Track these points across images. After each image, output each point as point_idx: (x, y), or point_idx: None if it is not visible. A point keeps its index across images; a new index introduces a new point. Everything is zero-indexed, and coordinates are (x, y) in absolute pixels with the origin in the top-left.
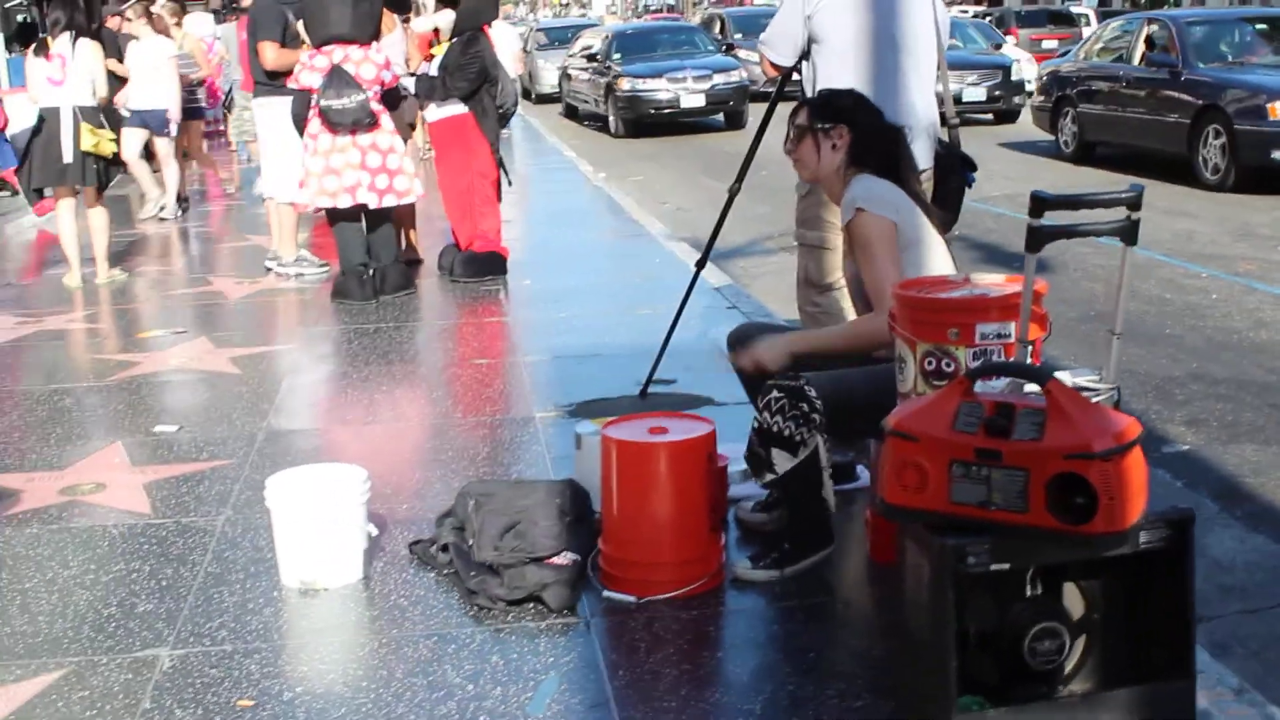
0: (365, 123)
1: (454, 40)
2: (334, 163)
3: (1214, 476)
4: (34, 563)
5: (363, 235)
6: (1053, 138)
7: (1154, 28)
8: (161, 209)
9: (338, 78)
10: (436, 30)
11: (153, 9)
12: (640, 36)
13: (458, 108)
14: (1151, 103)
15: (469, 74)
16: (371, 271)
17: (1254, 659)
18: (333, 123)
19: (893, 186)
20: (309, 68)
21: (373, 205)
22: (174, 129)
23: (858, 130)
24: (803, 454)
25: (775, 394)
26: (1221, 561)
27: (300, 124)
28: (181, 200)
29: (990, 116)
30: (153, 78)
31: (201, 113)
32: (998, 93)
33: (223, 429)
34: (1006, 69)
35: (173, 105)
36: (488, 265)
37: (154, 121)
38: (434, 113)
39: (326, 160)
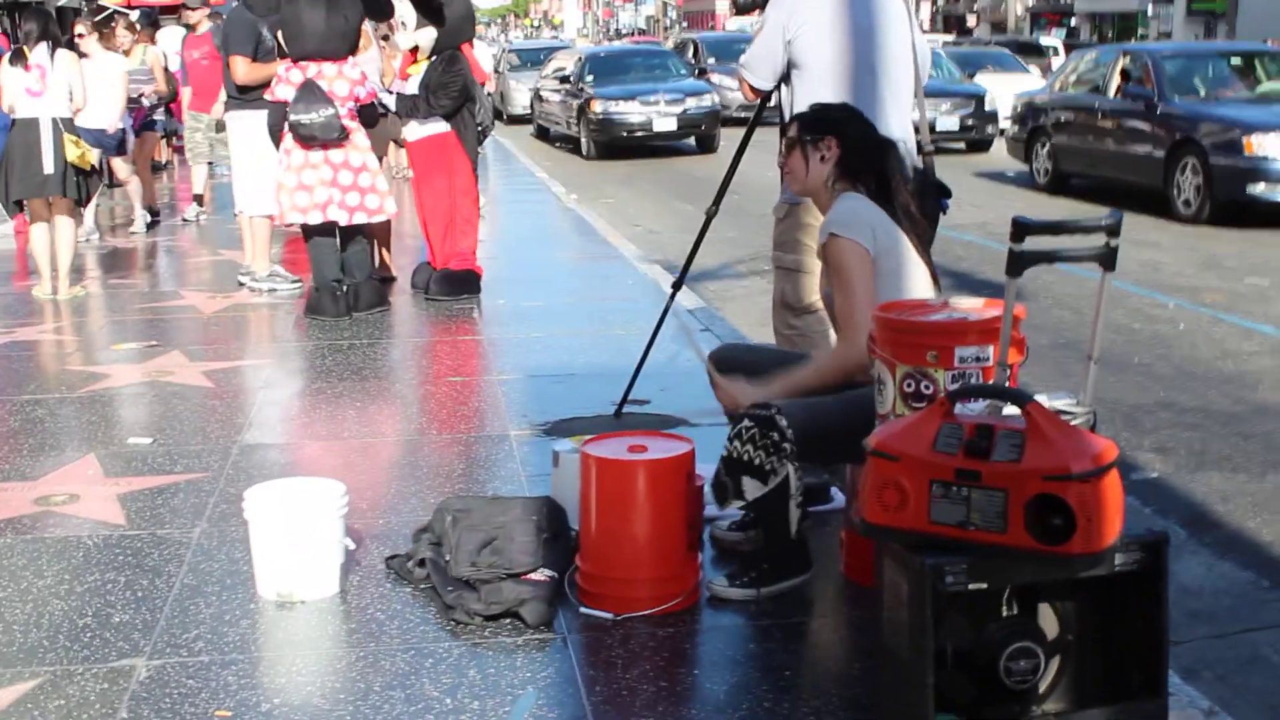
0: (334, 138)
1: (434, 59)
2: (305, 179)
3: (1182, 503)
4: (8, 572)
5: (336, 252)
6: (1026, 168)
7: (1130, 60)
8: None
9: (308, 92)
10: (414, 49)
11: (112, 28)
12: (613, 59)
13: (440, 126)
14: (1126, 135)
15: (451, 92)
16: (345, 288)
17: (1221, 683)
18: (301, 137)
19: (874, 208)
20: (284, 81)
21: (342, 222)
22: (129, 141)
23: (847, 142)
24: (773, 482)
25: (746, 423)
26: (1190, 587)
27: (276, 136)
28: (151, 211)
29: (963, 145)
30: (103, 96)
31: (154, 125)
32: (971, 122)
33: (197, 442)
34: (980, 98)
35: (111, 121)
36: (464, 284)
37: (107, 140)
38: (414, 131)
39: (298, 176)
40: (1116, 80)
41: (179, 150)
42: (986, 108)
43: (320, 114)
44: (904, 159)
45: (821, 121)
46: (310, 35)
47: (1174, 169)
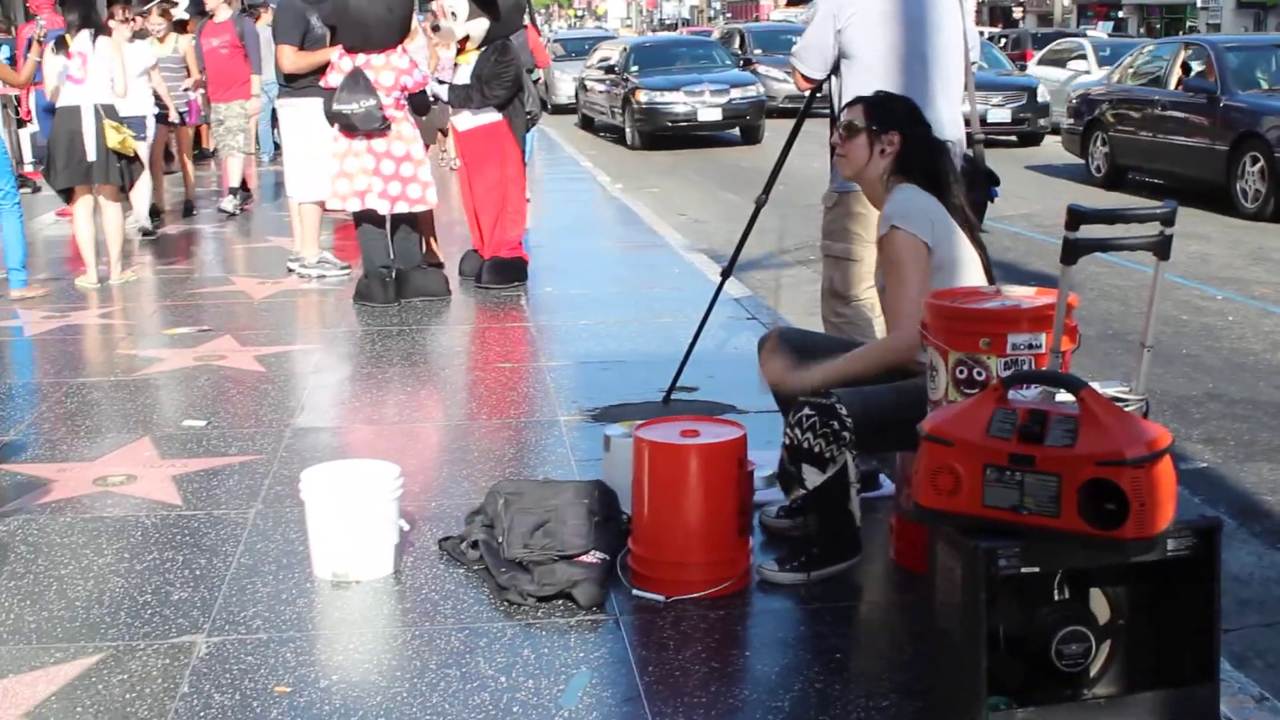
0: (374, 128)
1: (486, 49)
2: (347, 166)
3: (1232, 493)
4: (69, 550)
5: (385, 239)
6: (1082, 161)
7: (1191, 53)
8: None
9: (353, 81)
10: (464, 39)
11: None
12: (658, 49)
13: (492, 115)
14: (1188, 128)
15: (505, 82)
16: (394, 274)
17: (1272, 670)
18: (342, 125)
19: (931, 199)
20: (336, 69)
21: (382, 211)
22: (149, 134)
23: (908, 140)
24: (832, 470)
25: (807, 411)
26: (1239, 576)
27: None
28: (167, 209)
29: (1014, 138)
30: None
31: (184, 118)
32: (1023, 115)
33: (250, 425)
34: (1032, 90)
35: (144, 108)
36: (516, 271)
37: (136, 124)
38: (466, 121)
39: (341, 163)
40: (1177, 73)
41: None
42: (1039, 100)
43: (361, 104)
44: (954, 161)
45: (888, 114)
46: (356, 26)
47: (1237, 163)
